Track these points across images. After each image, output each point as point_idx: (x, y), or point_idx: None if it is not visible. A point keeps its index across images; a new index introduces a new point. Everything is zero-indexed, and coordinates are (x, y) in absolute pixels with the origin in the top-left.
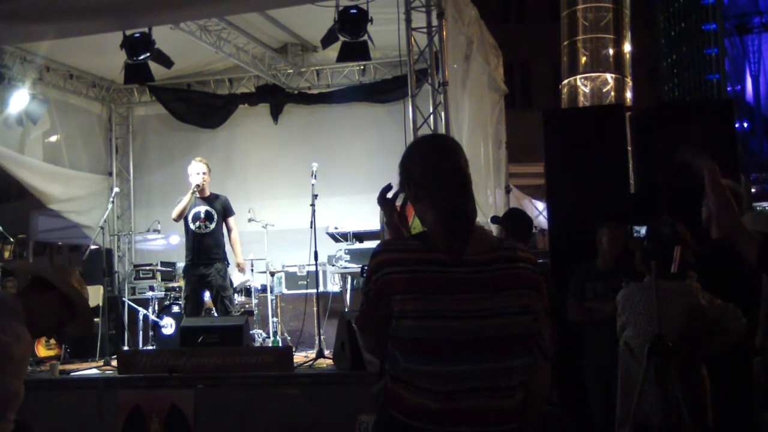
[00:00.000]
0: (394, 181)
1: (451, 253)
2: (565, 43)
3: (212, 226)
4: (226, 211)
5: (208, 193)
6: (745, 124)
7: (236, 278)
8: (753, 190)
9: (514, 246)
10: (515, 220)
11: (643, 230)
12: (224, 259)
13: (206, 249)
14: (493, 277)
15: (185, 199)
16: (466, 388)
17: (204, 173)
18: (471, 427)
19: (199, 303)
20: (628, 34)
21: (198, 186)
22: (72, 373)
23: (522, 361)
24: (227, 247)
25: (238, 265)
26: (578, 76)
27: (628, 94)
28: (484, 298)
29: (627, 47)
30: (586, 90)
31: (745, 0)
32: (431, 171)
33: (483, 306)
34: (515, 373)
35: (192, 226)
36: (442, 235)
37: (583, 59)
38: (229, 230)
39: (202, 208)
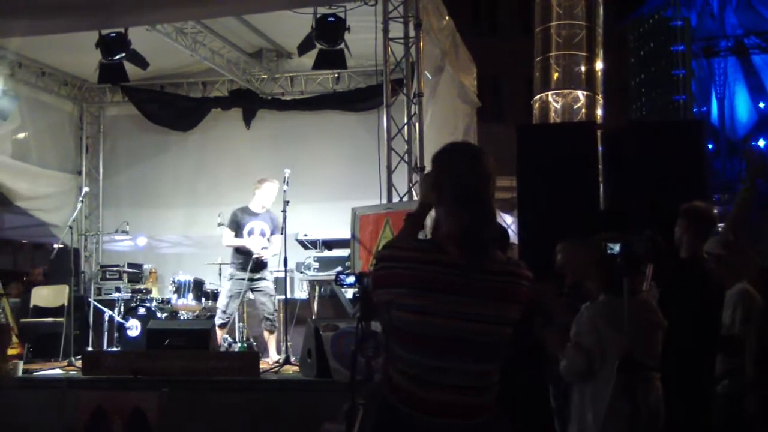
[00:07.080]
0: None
1: (460, 260)
2: (538, 58)
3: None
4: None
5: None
6: (710, 146)
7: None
8: (715, 211)
9: (519, 263)
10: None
11: (616, 247)
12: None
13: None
14: (494, 287)
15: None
16: (447, 383)
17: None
18: (444, 419)
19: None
20: (601, 52)
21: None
22: (35, 373)
23: (498, 366)
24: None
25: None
26: (550, 92)
27: (599, 112)
28: (480, 303)
29: (599, 65)
30: (558, 106)
31: (713, 24)
32: (458, 189)
33: (478, 311)
34: (491, 377)
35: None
36: (454, 246)
37: (556, 75)
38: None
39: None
